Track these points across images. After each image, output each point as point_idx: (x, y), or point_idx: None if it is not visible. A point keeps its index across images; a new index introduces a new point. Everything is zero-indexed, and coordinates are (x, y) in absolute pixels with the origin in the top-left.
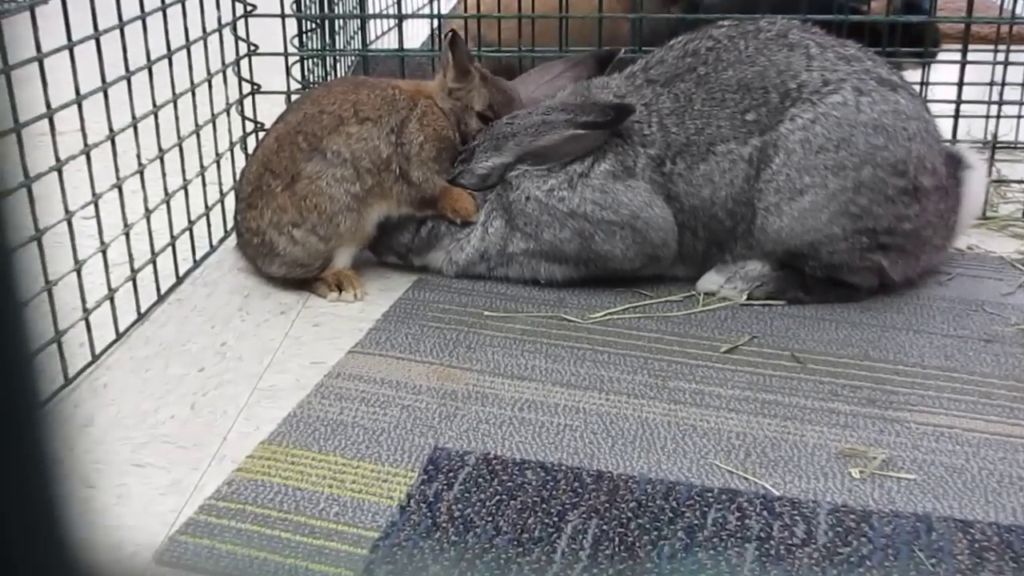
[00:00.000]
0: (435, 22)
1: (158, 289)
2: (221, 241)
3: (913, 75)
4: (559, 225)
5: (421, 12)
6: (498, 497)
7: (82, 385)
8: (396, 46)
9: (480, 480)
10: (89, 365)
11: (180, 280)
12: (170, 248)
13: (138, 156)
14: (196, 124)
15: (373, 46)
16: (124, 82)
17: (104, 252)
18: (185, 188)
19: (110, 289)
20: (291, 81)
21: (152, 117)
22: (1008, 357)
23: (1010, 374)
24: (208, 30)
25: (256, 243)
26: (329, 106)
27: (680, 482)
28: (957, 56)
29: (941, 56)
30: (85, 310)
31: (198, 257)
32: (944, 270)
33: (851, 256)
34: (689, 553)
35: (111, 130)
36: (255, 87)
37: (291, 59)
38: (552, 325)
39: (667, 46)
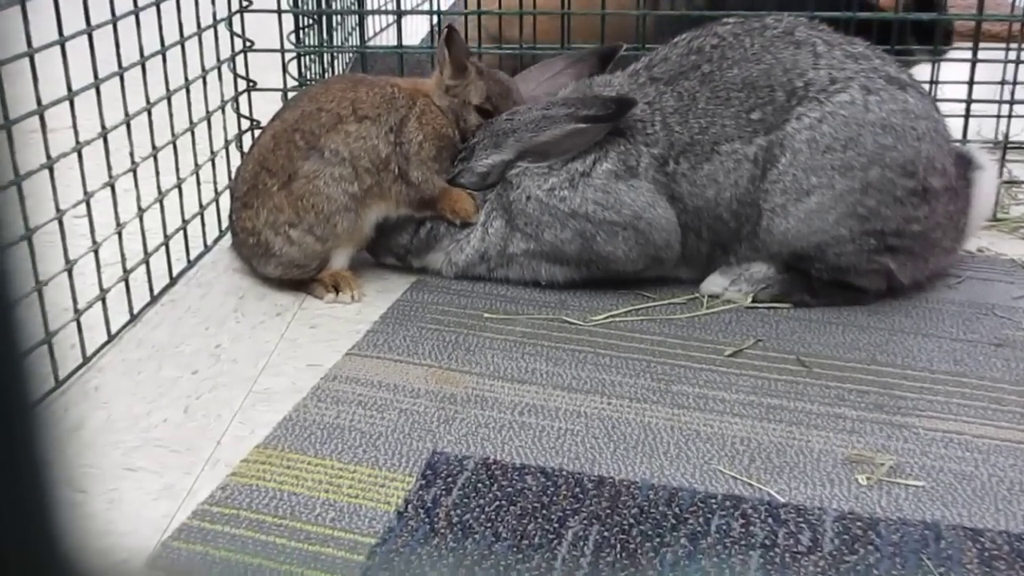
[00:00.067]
0: (434, 18)
1: (151, 290)
2: (216, 241)
3: (923, 73)
4: (560, 225)
5: (420, 8)
6: (497, 503)
7: (73, 388)
8: (395, 43)
9: (479, 485)
10: (80, 367)
11: (174, 281)
12: (163, 248)
13: (131, 154)
14: (190, 121)
15: (371, 42)
16: (117, 78)
17: (96, 252)
18: (179, 187)
19: (102, 290)
20: (288, 78)
21: (146, 114)
22: (1019, 362)
23: (1021, 379)
24: (203, 25)
25: (252, 243)
26: (327, 104)
27: (683, 488)
28: (968, 54)
29: (952, 54)
30: (76, 311)
31: (192, 257)
32: (953, 273)
33: (858, 258)
34: (692, 560)
35: (103, 127)
36: (251, 84)
37: (288, 55)
38: (553, 327)
39: (671, 43)
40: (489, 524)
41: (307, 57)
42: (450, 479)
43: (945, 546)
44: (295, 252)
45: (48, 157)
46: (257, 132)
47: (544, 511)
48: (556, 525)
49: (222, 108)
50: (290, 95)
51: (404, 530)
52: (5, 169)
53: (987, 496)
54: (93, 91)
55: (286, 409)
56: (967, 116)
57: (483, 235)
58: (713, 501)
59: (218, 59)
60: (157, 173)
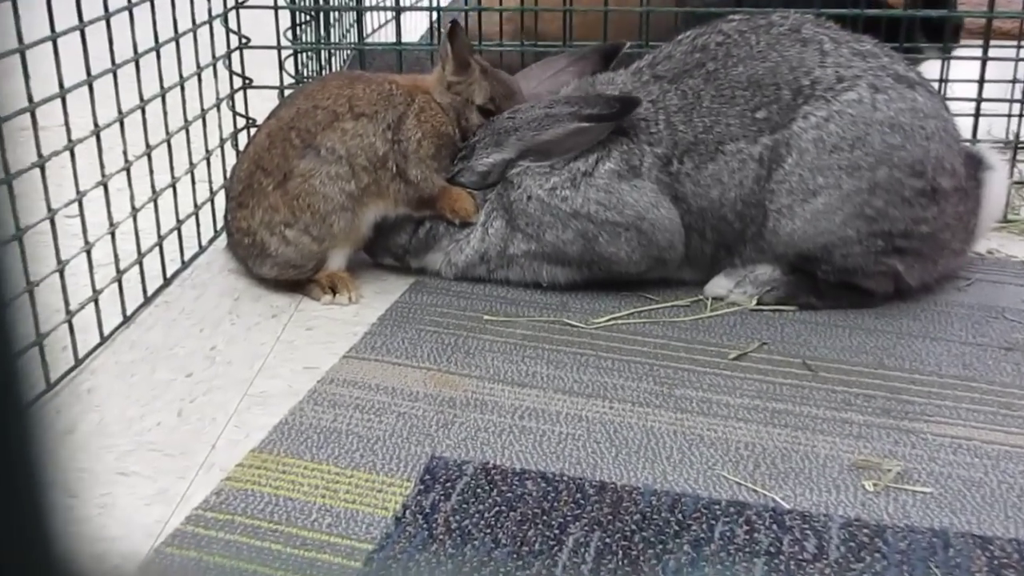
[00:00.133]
0: (434, 15)
1: (144, 291)
2: (211, 241)
3: (932, 71)
4: (562, 226)
5: (419, 4)
6: (497, 508)
7: (65, 390)
8: (394, 39)
9: (479, 490)
10: (72, 370)
11: (167, 282)
12: (157, 248)
13: (124, 152)
14: (185, 119)
15: (370, 39)
16: (110, 75)
17: (88, 252)
18: (173, 186)
19: (95, 291)
20: (284, 75)
21: (139, 112)
22: None
23: None
24: (198, 21)
25: (247, 243)
26: (323, 101)
27: (686, 494)
28: (978, 52)
29: (962, 52)
30: (68, 312)
31: (186, 258)
32: (963, 275)
33: (866, 260)
34: (695, 568)
35: (96, 125)
36: (247, 81)
37: (284, 52)
38: (554, 330)
39: (675, 41)
40: (488, 530)
41: (304, 54)
42: (449, 484)
43: (954, 554)
44: (291, 252)
45: (40, 155)
46: (253, 130)
47: (545, 517)
48: (557, 531)
49: (217, 106)
50: (286, 92)
51: (402, 536)
52: None
53: (997, 503)
54: (86, 88)
55: (282, 412)
56: (977, 115)
57: (483, 235)
58: (717, 507)
59: (213, 56)
60: (151, 172)
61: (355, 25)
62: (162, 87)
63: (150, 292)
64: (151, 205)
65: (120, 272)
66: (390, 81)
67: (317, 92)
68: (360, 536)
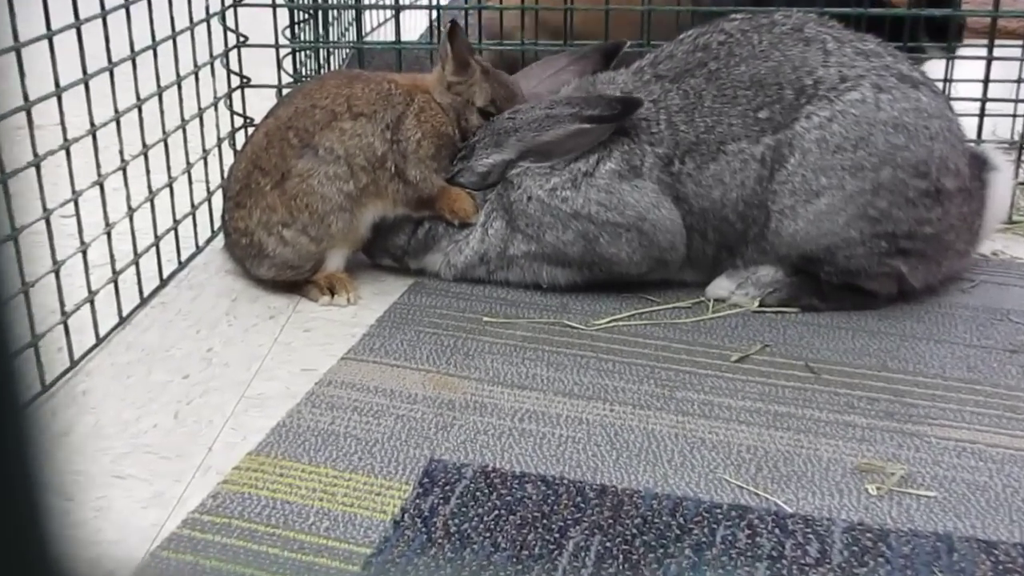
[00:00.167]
0: (434, 13)
1: (141, 292)
2: (208, 242)
3: (936, 71)
4: (562, 226)
5: (419, 3)
6: (496, 512)
7: (60, 392)
8: (393, 38)
9: (478, 494)
10: (67, 371)
11: (164, 282)
12: (154, 249)
13: (121, 152)
14: (182, 119)
15: (369, 38)
16: (106, 74)
17: (84, 253)
18: (170, 186)
19: (90, 291)
20: (282, 74)
21: (136, 111)
22: None
23: None
24: (195, 19)
25: (244, 244)
26: (321, 100)
27: (688, 497)
28: (983, 51)
29: (966, 51)
30: (64, 313)
31: (183, 258)
32: (967, 277)
33: (869, 261)
34: (697, 572)
35: (92, 124)
36: (244, 80)
37: (282, 51)
38: (554, 332)
39: (676, 40)
40: (488, 534)
41: (302, 53)
42: (448, 487)
43: (958, 559)
44: (289, 253)
45: (35, 155)
46: (250, 130)
47: (544, 521)
48: (557, 535)
49: (215, 105)
50: (284, 92)
51: (400, 540)
52: None
53: (1001, 507)
54: (82, 87)
55: (279, 415)
56: (982, 115)
57: (483, 236)
58: (718, 511)
59: (211, 55)
60: (147, 172)
61: (354, 23)
62: (159, 86)
63: (146, 293)
64: (148, 205)
65: (116, 273)
66: (389, 80)
67: (315, 91)
68: (358, 540)
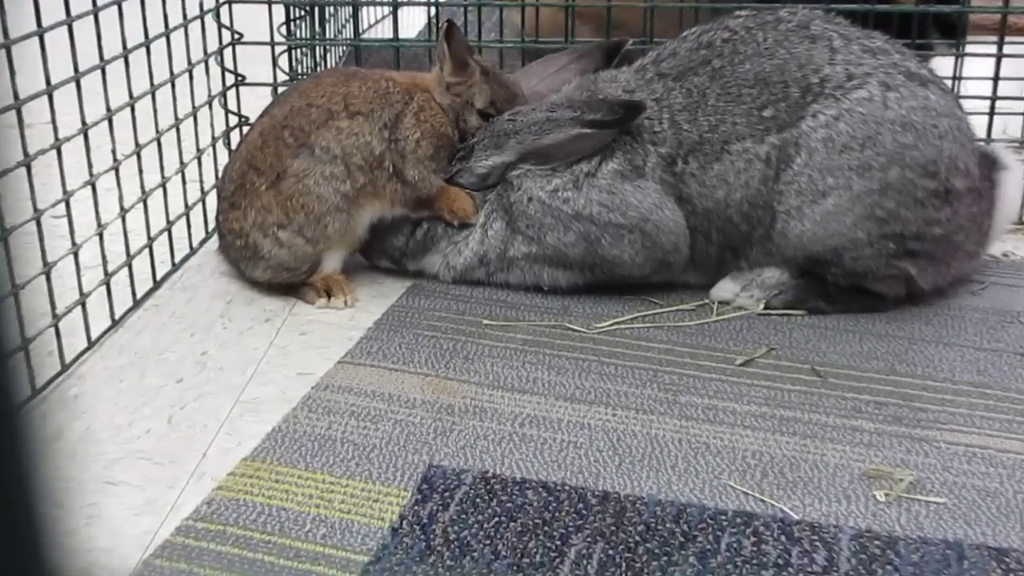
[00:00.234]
0: (432, 9)
1: (134, 294)
2: (202, 243)
3: (945, 69)
4: (563, 228)
5: None
6: (497, 519)
7: (51, 396)
8: (390, 35)
9: (478, 500)
10: (59, 375)
11: (157, 285)
12: (147, 250)
13: (113, 151)
14: (176, 117)
15: (366, 35)
16: (98, 71)
17: (76, 254)
18: (163, 186)
19: (82, 294)
20: (278, 72)
21: (128, 109)
22: None
23: None
24: (189, 16)
25: (239, 245)
26: (318, 99)
27: (692, 504)
28: (992, 49)
29: (976, 49)
30: (55, 316)
31: (177, 260)
32: (977, 278)
33: (877, 263)
34: None
35: (84, 123)
36: (239, 78)
37: (278, 48)
38: (555, 335)
39: (680, 37)
40: (488, 541)
41: (298, 50)
42: (447, 494)
43: (968, 566)
44: (284, 255)
45: (25, 154)
46: (245, 129)
47: (546, 528)
48: (558, 543)
49: (209, 103)
50: (280, 90)
51: (399, 547)
52: None
53: (1012, 514)
54: (73, 85)
55: (275, 420)
56: (991, 114)
57: (482, 237)
58: (723, 518)
59: (205, 52)
60: (140, 171)
61: (351, 20)
62: (152, 84)
63: (139, 295)
64: (140, 205)
65: (108, 274)
66: (387, 78)
67: (311, 90)
68: (355, 547)
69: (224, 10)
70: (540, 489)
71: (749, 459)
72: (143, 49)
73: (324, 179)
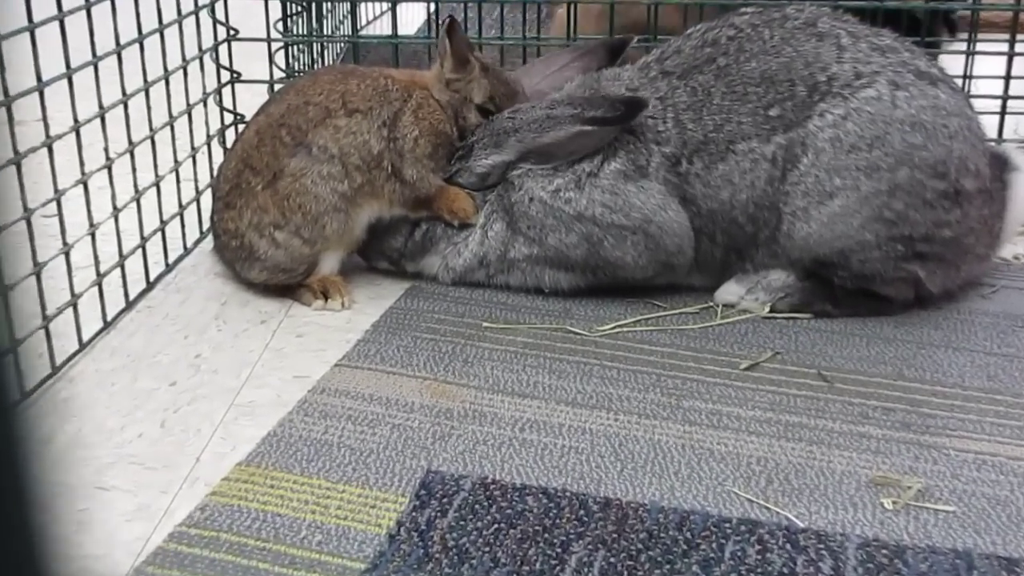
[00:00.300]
0: (432, 6)
1: (126, 295)
2: (196, 243)
3: (955, 67)
4: (565, 229)
5: None
6: (496, 525)
7: (41, 399)
8: (389, 32)
9: (477, 507)
10: (49, 378)
11: (150, 286)
12: (140, 251)
13: (106, 149)
14: (170, 115)
15: (364, 32)
16: (91, 68)
17: (67, 254)
18: (157, 185)
19: (73, 295)
20: (274, 69)
21: (122, 107)
22: None
23: None
24: (184, 12)
25: (234, 246)
26: (315, 97)
27: (695, 511)
28: (1004, 47)
29: (987, 47)
30: (45, 317)
31: (170, 261)
32: (987, 282)
33: (885, 266)
34: None
35: (76, 120)
36: (235, 75)
37: (274, 45)
38: (557, 338)
39: (684, 35)
40: (487, 548)
41: (295, 47)
42: (445, 500)
43: None
44: (281, 255)
45: (16, 152)
46: (241, 127)
47: (546, 535)
48: (559, 550)
49: (204, 101)
50: (276, 87)
51: (396, 554)
52: None
53: (1023, 523)
54: (65, 81)
55: (270, 424)
56: (1003, 113)
57: (482, 238)
58: (727, 525)
59: (200, 48)
60: (134, 170)
61: (349, 16)
62: (145, 81)
63: (132, 296)
64: (134, 205)
65: (100, 275)
66: (386, 76)
67: (309, 87)
68: (352, 554)
69: (219, 5)
70: (540, 495)
71: (754, 465)
72: (136, 45)
73: (321, 178)
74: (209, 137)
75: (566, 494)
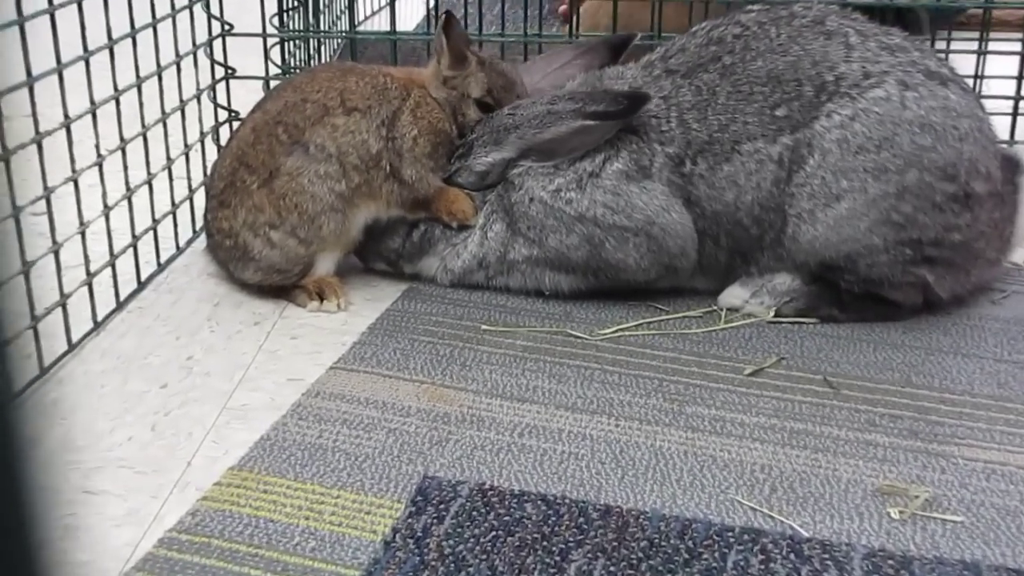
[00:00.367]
0: (431, 1)
1: (117, 295)
2: (189, 243)
3: (967, 67)
4: (566, 230)
5: None
6: (494, 533)
7: (28, 402)
8: (387, 28)
9: (474, 513)
10: (36, 379)
11: (142, 286)
12: (131, 250)
13: (97, 146)
14: (163, 111)
15: (362, 27)
16: (82, 63)
17: (56, 253)
18: (149, 183)
19: (62, 294)
20: (270, 65)
21: (113, 103)
22: None
23: None
24: (177, 6)
25: (228, 246)
26: (313, 94)
27: (697, 519)
28: (1017, 47)
29: (999, 46)
30: (34, 318)
31: (162, 260)
32: (998, 287)
33: (893, 270)
34: None
35: (66, 116)
36: (229, 71)
37: (270, 40)
38: (557, 342)
39: (689, 32)
40: (484, 556)
41: (291, 43)
42: (442, 506)
43: None
44: (276, 256)
45: (4, 149)
46: (236, 124)
47: (545, 543)
48: (558, 558)
49: (198, 97)
50: (272, 84)
51: (392, 562)
52: None
53: None
54: (55, 76)
55: (264, 428)
56: (1015, 114)
57: (482, 239)
58: (730, 534)
59: (194, 43)
60: (125, 167)
61: (346, 12)
62: (138, 76)
63: (123, 297)
64: (125, 203)
65: (90, 275)
66: (384, 74)
67: (306, 84)
68: (346, 561)
69: (214, 0)
70: (539, 502)
71: (757, 473)
72: (129, 39)
73: (318, 178)
74: (203, 134)
75: (565, 501)
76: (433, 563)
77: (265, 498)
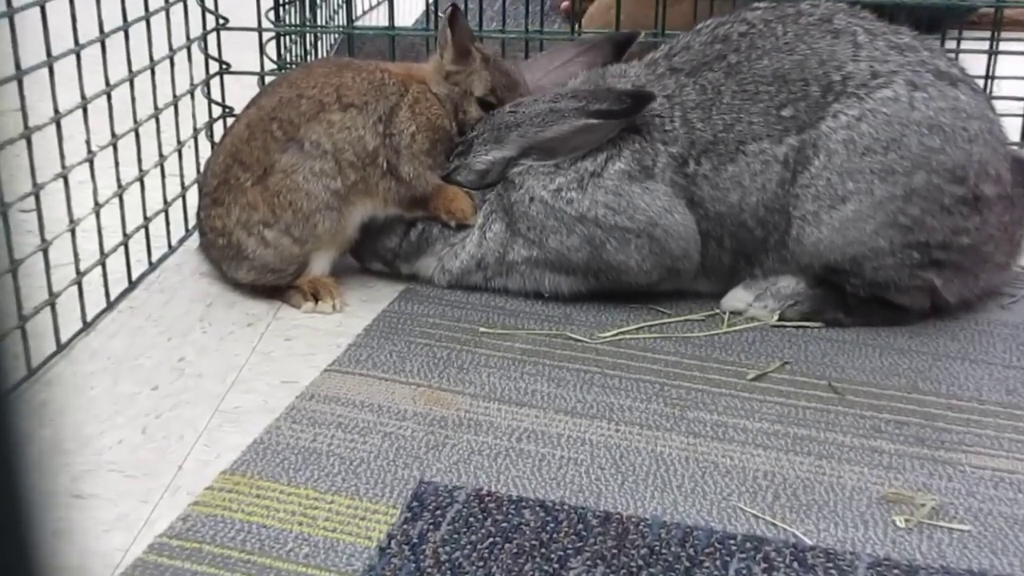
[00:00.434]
0: None
1: (107, 295)
2: (181, 241)
3: (977, 67)
4: (566, 231)
5: None
6: (491, 539)
7: (16, 403)
8: (385, 23)
9: (471, 519)
10: (24, 380)
11: (132, 285)
12: (122, 248)
13: (87, 142)
14: (155, 107)
15: (359, 22)
16: (73, 56)
17: (45, 251)
18: (141, 180)
19: (51, 294)
20: (265, 60)
21: (105, 97)
22: None
23: None
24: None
25: (221, 244)
26: (308, 90)
27: (698, 527)
28: None
29: (1011, 47)
30: (21, 317)
31: (154, 259)
32: (1007, 291)
33: (899, 273)
34: None
35: (57, 111)
36: (224, 66)
37: (266, 35)
38: (556, 344)
39: (694, 30)
40: (481, 563)
41: (287, 37)
42: (439, 512)
43: None
44: (270, 255)
45: None
46: (230, 120)
47: (543, 549)
48: (556, 565)
49: (191, 92)
50: (268, 79)
51: (387, 568)
52: None
53: None
54: (45, 70)
55: (256, 431)
56: None
57: (480, 239)
58: (732, 542)
59: (187, 37)
60: (116, 164)
61: (344, 6)
62: (130, 70)
63: (113, 296)
64: (116, 200)
65: (80, 274)
66: (382, 69)
67: (302, 80)
68: (341, 568)
69: None
70: (537, 508)
71: (760, 480)
72: (121, 33)
73: (314, 175)
74: (196, 130)
75: (564, 507)
76: (429, 570)
77: (258, 503)
